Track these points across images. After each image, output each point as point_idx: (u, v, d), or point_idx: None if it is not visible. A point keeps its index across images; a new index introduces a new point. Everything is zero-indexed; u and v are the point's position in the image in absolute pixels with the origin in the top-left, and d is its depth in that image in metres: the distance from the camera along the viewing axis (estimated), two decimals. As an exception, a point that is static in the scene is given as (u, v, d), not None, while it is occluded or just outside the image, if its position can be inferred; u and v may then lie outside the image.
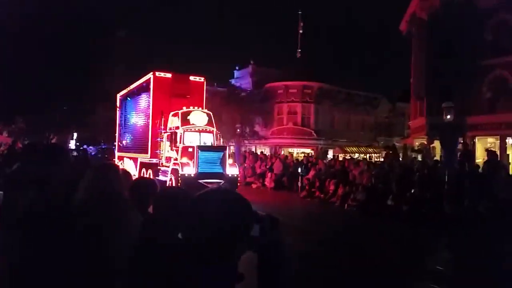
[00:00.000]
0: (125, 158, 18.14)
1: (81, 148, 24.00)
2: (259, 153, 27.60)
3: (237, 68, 41.29)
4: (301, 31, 35.54)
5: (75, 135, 28.45)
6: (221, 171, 13.14)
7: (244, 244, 1.43)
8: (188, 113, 14.04)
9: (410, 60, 25.34)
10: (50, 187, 2.13)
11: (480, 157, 18.01)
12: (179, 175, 12.67)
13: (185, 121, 13.88)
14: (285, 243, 1.55)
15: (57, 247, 1.78)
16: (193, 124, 13.96)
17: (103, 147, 29.78)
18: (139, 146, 16.53)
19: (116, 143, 20.13)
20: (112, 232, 2.05)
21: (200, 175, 12.65)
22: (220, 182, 12.63)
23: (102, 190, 2.25)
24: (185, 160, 13.08)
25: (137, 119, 17.15)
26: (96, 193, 2.22)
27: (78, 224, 1.95)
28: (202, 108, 14.83)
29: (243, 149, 26.44)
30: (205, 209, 1.40)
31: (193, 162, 12.90)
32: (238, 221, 1.40)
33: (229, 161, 13.70)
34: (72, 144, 26.08)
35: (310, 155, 25.96)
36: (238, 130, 28.57)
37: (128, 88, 18.32)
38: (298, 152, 30.32)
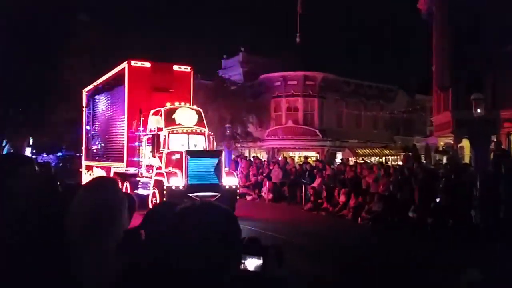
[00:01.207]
0: (94, 168, 18.25)
1: (42, 158, 24.02)
2: (252, 158, 27.88)
3: (225, 57, 41.36)
4: (300, 11, 35.75)
5: (30, 140, 28.35)
6: (216, 181, 13.06)
7: (233, 275, 1.39)
8: (173, 110, 13.93)
9: (431, 45, 25.73)
10: (8, 204, 2.11)
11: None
12: (164, 187, 12.57)
13: (169, 120, 13.79)
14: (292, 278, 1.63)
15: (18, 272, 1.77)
16: (179, 124, 13.86)
17: (62, 154, 29.72)
18: (112, 152, 16.62)
19: (83, 150, 20.24)
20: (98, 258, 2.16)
21: (191, 187, 12.58)
22: (216, 196, 12.42)
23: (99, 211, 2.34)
24: (171, 169, 13.04)
25: (109, 120, 17.22)
26: (89, 216, 2.33)
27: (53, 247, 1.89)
28: (190, 104, 14.76)
29: (234, 153, 26.69)
30: (183, 228, 1.38)
31: (182, 171, 12.87)
32: (223, 244, 1.36)
33: (225, 169, 13.65)
34: (27, 152, 26.02)
35: (316, 158, 26.27)
36: (228, 131, 28.78)
37: (97, 82, 18.34)
38: (300, 156, 30.56)
